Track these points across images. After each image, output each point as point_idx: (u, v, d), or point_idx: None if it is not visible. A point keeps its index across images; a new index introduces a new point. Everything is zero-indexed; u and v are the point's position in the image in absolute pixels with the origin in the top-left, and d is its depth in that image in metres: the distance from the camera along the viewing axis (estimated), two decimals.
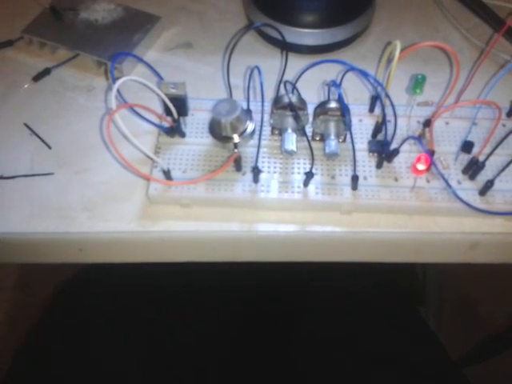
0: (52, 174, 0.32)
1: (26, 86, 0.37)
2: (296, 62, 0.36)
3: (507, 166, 0.28)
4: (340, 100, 0.28)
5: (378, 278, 0.57)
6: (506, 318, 0.55)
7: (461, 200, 0.28)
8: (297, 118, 0.29)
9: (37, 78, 0.37)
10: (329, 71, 0.36)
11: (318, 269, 0.54)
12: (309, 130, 0.32)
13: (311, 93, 0.35)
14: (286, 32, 0.37)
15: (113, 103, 0.26)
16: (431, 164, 0.28)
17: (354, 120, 0.33)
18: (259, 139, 0.29)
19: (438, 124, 0.32)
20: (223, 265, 0.34)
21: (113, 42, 0.38)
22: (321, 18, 0.37)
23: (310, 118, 0.31)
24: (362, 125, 0.33)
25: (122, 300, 0.49)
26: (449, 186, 0.28)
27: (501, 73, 0.29)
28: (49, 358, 0.44)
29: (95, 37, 0.38)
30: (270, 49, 0.39)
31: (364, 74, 0.28)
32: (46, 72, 0.37)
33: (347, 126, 0.28)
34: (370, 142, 0.32)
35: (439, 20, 0.41)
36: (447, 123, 0.32)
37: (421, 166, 0.29)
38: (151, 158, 0.28)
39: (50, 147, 0.33)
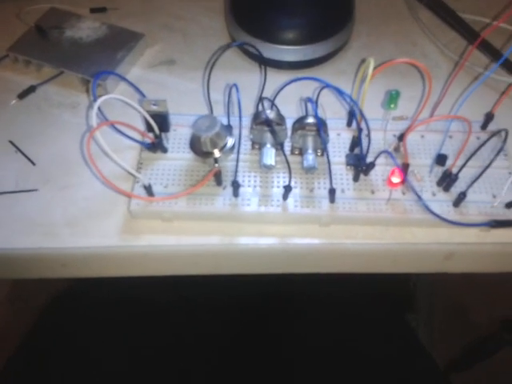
0: (36, 190, 0.33)
1: (11, 103, 0.37)
2: (277, 78, 0.36)
3: (478, 177, 0.29)
4: (315, 116, 0.29)
5: (370, 286, 0.58)
6: (490, 323, 0.56)
7: (432, 212, 0.28)
8: (274, 133, 0.30)
9: (22, 95, 0.38)
10: (308, 86, 0.36)
11: (309, 276, 0.54)
12: (288, 144, 0.33)
13: (291, 107, 0.36)
14: (267, 49, 0.38)
15: (93, 121, 0.26)
16: (405, 177, 0.29)
17: (333, 134, 0.33)
18: (237, 154, 0.30)
19: (413, 137, 0.33)
20: (213, 276, 0.34)
21: (97, 59, 0.38)
22: (300, 35, 0.38)
23: (289, 133, 0.32)
24: (340, 139, 0.34)
25: (114, 310, 0.50)
26: (420, 198, 0.28)
27: (472, 87, 0.30)
28: (43, 362, 0.45)
29: (80, 54, 0.39)
30: (253, 65, 0.40)
31: (339, 91, 0.29)
32: (32, 89, 0.38)
33: (322, 141, 0.29)
34: (347, 156, 0.32)
35: (417, 34, 0.42)
36: (423, 136, 0.33)
37: (395, 179, 0.29)
38: (132, 174, 0.29)
39: (34, 164, 0.34)
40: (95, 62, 0.38)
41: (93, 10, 0.43)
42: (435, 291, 0.97)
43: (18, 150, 0.35)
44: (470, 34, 0.41)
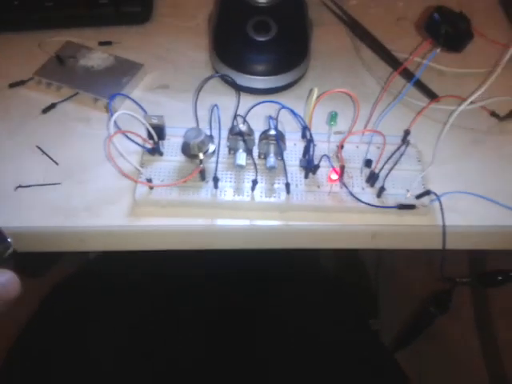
0: (59, 183, 0.42)
1: (37, 116, 0.47)
2: (250, 100, 0.47)
3: (388, 174, 0.39)
4: (274, 130, 0.39)
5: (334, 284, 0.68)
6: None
7: (358, 199, 0.39)
8: (245, 142, 0.40)
9: (45, 110, 0.47)
10: (272, 107, 0.46)
11: (283, 274, 0.64)
12: (256, 150, 0.43)
13: (259, 122, 0.46)
14: (242, 78, 0.48)
15: (111, 129, 0.36)
16: (340, 175, 0.40)
17: (290, 144, 0.44)
18: (217, 157, 0.40)
19: (350, 147, 0.44)
20: (195, 255, 0.43)
21: (106, 83, 0.48)
22: (267, 69, 0.48)
23: (257, 142, 0.42)
24: (296, 147, 0.44)
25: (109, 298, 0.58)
26: (348, 189, 0.39)
27: (390, 107, 0.41)
28: (44, 352, 0.53)
29: (92, 79, 0.49)
30: (231, 90, 0.50)
31: (292, 112, 0.39)
32: (53, 106, 0.47)
33: (279, 149, 0.40)
34: (300, 160, 0.43)
35: (359, 69, 0.53)
36: (357, 147, 0.44)
37: (333, 176, 0.40)
38: (138, 169, 0.38)
39: (57, 164, 0.43)
40: (104, 85, 0.48)
41: (100, 43, 0.53)
42: (397, 297, 1.07)
43: (44, 153, 0.44)
44: (398, 66, 0.52)
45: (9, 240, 0.33)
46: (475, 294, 1.11)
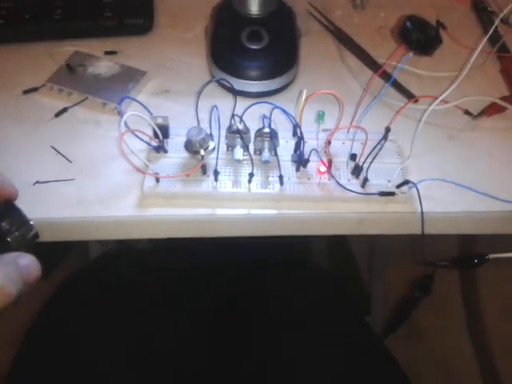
0: (74, 179, 0.46)
1: (50, 120, 0.51)
2: (245, 102, 0.51)
3: (369, 166, 0.44)
4: (268, 128, 0.44)
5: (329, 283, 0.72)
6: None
7: (345, 188, 0.44)
8: (242, 139, 0.45)
9: (58, 114, 0.51)
10: (265, 108, 0.51)
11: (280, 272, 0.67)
12: (252, 146, 0.47)
13: (255, 121, 0.51)
14: (237, 83, 0.53)
15: (122, 128, 0.41)
16: (328, 168, 0.44)
17: (282, 141, 0.48)
18: (217, 153, 0.44)
19: (337, 144, 0.48)
20: (191, 246, 0.47)
21: (113, 89, 0.53)
22: (260, 74, 0.53)
23: (252, 139, 0.47)
24: (288, 144, 0.48)
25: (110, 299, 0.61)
26: (335, 180, 0.44)
27: (371, 105, 0.46)
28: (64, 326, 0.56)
29: (100, 85, 0.53)
30: (227, 94, 0.55)
31: (284, 111, 0.44)
32: (64, 110, 0.52)
33: (273, 145, 0.44)
34: (292, 155, 0.47)
35: (344, 73, 0.58)
36: (343, 143, 0.49)
37: (322, 169, 0.44)
38: (146, 164, 0.43)
39: (70, 162, 0.47)
40: (112, 90, 0.52)
41: (106, 53, 0.58)
42: (389, 294, 1.11)
43: (58, 152, 0.48)
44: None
45: (31, 223, 0.36)
46: (465, 289, 1.15)
